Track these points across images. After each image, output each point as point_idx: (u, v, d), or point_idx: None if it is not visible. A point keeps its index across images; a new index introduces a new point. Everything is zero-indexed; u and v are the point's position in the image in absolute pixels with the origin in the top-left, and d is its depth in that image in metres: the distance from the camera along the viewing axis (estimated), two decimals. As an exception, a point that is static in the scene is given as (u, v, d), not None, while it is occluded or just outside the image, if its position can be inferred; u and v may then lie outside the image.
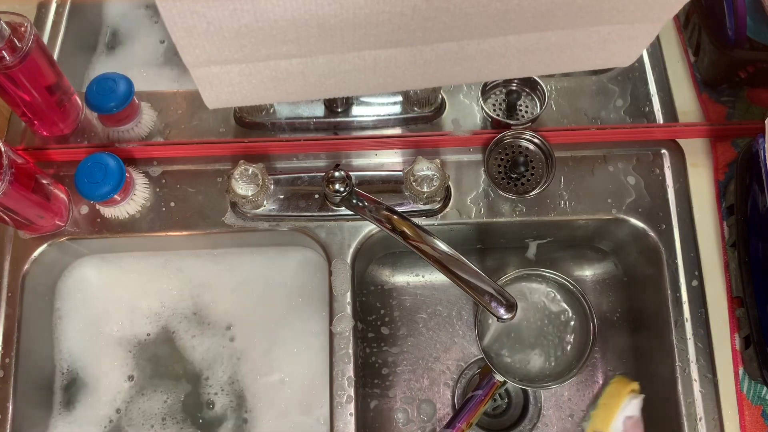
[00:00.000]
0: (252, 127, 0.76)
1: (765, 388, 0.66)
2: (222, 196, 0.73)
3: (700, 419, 0.66)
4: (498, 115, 0.75)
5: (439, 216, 0.72)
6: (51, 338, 0.75)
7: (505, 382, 0.75)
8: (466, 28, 0.45)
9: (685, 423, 0.66)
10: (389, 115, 0.76)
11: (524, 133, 0.72)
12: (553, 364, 0.80)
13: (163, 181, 0.74)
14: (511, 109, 0.75)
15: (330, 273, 0.71)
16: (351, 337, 0.69)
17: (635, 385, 0.67)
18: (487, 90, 0.76)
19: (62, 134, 0.75)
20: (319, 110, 0.75)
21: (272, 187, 0.71)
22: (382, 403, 0.80)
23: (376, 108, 0.76)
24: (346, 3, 0.41)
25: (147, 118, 0.75)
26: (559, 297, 0.83)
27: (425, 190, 0.67)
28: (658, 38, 0.80)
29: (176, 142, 0.75)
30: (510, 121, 0.74)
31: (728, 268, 0.70)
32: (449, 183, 0.72)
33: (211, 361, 0.76)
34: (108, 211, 0.72)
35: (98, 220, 0.72)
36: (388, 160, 0.75)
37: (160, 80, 0.87)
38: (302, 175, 0.72)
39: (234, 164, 0.68)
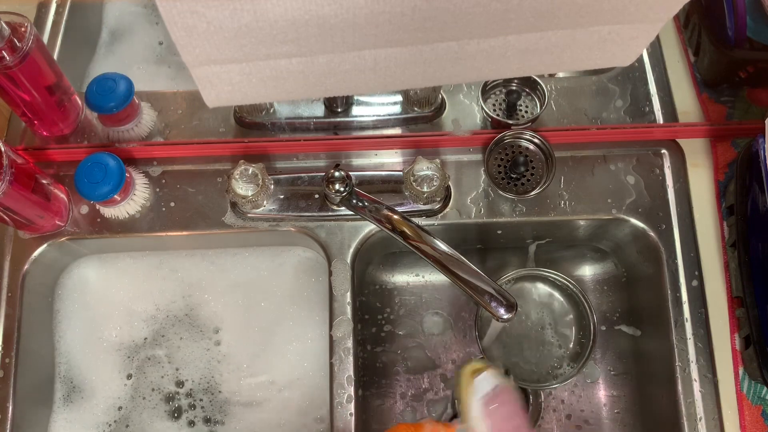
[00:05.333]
0: (252, 127, 0.76)
1: (765, 388, 0.66)
2: (222, 196, 0.73)
3: (700, 419, 0.66)
4: (498, 115, 0.75)
5: (439, 216, 0.72)
6: (51, 338, 0.75)
7: (505, 382, 0.75)
8: (466, 28, 0.45)
9: (685, 423, 0.66)
10: (389, 115, 0.76)
11: (524, 133, 0.72)
12: (553, 364, 0.80)
13: (163, 181, 0.74)
14: (511, 109, 0.75)
15: (330, 273, 0.71)
16: (351, 337, 0.69)
17: (477, 365, 0.62)
18: (487, 90, 0.76)
19: (62, 134, 0.75)
20: (319, 110, 0.75)
21: (272, 187, 0.71)
22: (382, 403, 0.80)
23: (376, 108, 0.76)
24: (346, 3, 0.41)
25: (147, 118, 0.75)
26: (559, 297, 0.83)
27: (425, 190, 0.67)
28: (658, 38, 0.80)
29: (176, 142, 0.75)
30: (510, 121, 0.74)
31: (728, 268, 0.70)
32: (449, 183, 0.72)
33: (210, 361, 0.77)
34: (108, 211, 0.72)
35: (98, 220, 0.72)
36: (388, 160, 0.75)
37: (159, 78, 0.87)
38: (302, 175, 0.72)
39: (234, 164, 0.68)
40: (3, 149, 0.60)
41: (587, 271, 0.85)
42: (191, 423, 0.75)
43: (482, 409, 0.59)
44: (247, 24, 0.42)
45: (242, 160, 0.67)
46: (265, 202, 0.71)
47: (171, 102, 0.77)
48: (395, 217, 0.63)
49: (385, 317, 0.83)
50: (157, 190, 0.74)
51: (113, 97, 0.69)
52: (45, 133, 0.75)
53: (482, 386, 0.61)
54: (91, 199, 0.68)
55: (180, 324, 0.78)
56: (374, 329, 0.83)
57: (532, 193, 0.71)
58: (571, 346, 0.81)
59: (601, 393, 0.80)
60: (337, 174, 0.64)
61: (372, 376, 0.81)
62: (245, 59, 0.46)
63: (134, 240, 0.74)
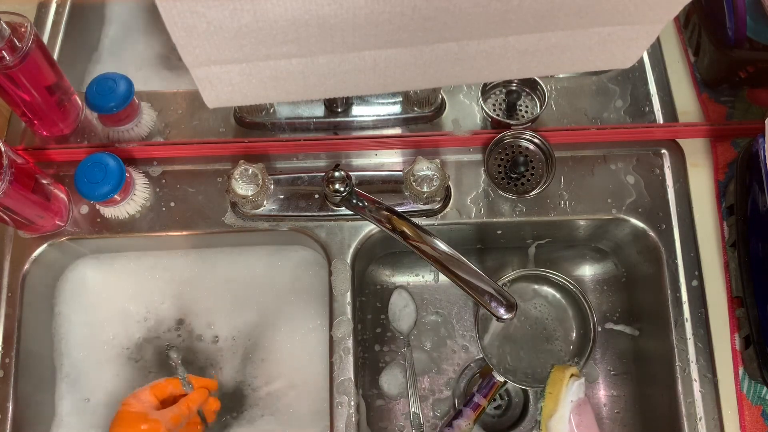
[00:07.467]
0: (252, 127, 0.76)
1: (765, 388, 0.66)
2: (222, 196, 0.73)
3: (700, 419, 0.66)
4: (498, 115, 0.75)
5: (439, 216, 0.72)
6: (51, 338, 0.75)
7: (505, 382, 0.75)
8: (467, 29, 0.45)
9: (685, 423, 0.66)
10: (389, 115, 0.76)
11: (524, 133, 0.72)
12: (553, 364, 0.80)
13: (163, 181, 0.74)
14: (511, 109, 0.75)
15: (330, 273, 0.71)
16: (351, 337, 0.69)
17: (574, 370, 0.69)
18: (487, 90, 0.76)
19: (62, 134, 0.75)
20: (319, 110, 0.75)
21: (272, 187, 0.71)
22: (382, 403, 0.80)
23: (376, 108, 0.76)
24: (346, 3, 0.41)
25: (147, 118, 0.75)
26: (559, 297, 0.83)
27: (425, 190, 0.67)
28: (658, 38, 0.79)
29: (176, 142, 0.75)
30: (510, 121, 0.74)
31: (728, 268, 0.70)
32: (449, 183, 0.72)
33: (210, 361, 0.77)
34: (108, 211, 0.72)
35: (98, 220, 0.72)
36: (388, 160, 0.75)
37: (159, 78, 0.87)
38: (302, 175, 0.72)
39: (234, 164, 0.68)
40: (3, 149, 0.60)
41: (587, 271, 0.85)
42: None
43: (570, 409, 0.66)
44: (247, 24, 0.42)
45: (242, 160, 0.67)
46: (265, 202, 0.71)
47: (171, 102, 0.77)
48: (395, 217, 0.63)
49: (386, 317, 0.83)
50: (157, 190, 0.74)
51: (113, 97, 0.69)
52: (45, 133, 0.75)
53: (577, 391, 0.68)
54: (91, 199, 0.68)
55: (180, 324, 0.78)
56: (374, 329, 0.83)
57: (532, 193, 0.71)
58: (571, 346, 0.81)
59: (601, 393, 0.80)
60: (337, 174, 0.64)
61: (372, 376, 0.81)
62: (245, 59, 0.46)
63: (134, 240, 0.74)
